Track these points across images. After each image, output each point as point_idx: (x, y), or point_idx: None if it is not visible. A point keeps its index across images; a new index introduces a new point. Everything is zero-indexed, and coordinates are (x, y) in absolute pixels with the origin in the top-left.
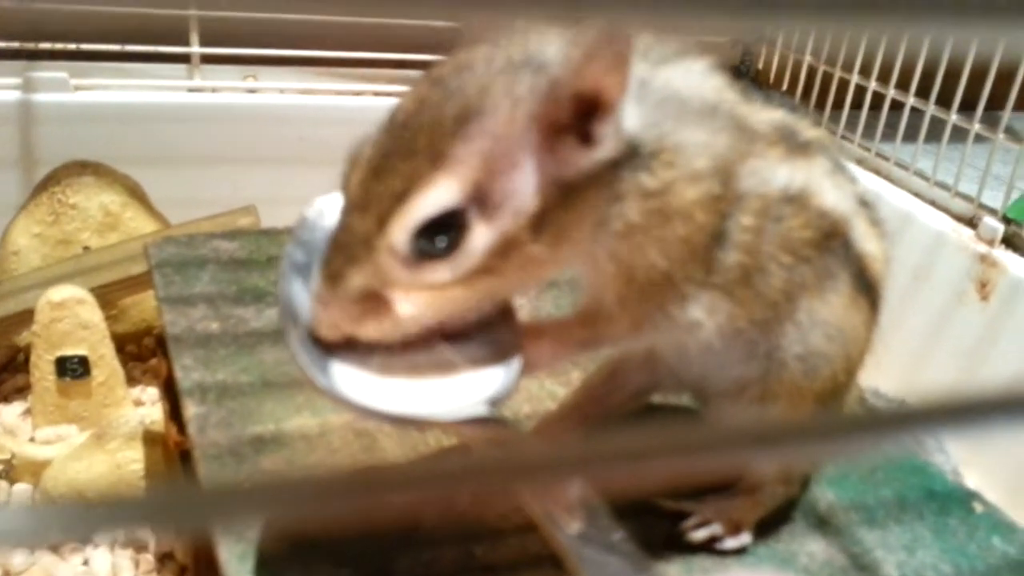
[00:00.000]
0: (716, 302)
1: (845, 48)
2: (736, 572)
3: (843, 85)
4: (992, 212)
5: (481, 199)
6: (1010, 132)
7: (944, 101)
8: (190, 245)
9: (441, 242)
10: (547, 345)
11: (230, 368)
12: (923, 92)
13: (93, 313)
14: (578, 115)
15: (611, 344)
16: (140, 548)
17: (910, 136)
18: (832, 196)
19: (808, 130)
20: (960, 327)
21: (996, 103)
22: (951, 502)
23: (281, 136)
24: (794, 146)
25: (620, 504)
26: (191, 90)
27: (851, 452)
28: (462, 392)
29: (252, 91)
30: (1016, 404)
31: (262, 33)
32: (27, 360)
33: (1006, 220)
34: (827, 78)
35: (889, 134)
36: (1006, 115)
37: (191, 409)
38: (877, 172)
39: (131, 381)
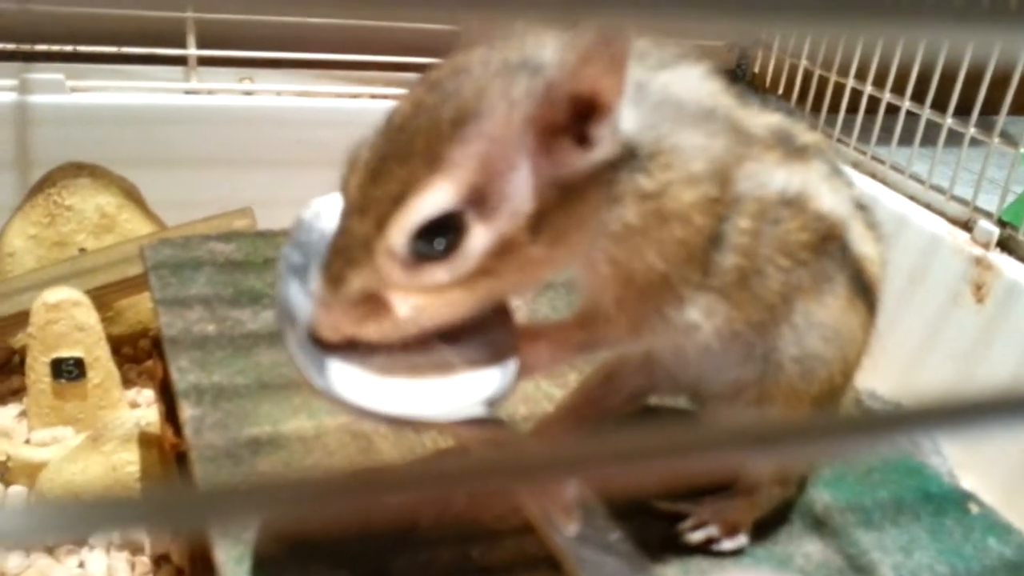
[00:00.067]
0: (713, 304)
1: (841, 52)
2: (733, 573)
3: (839, 89)
4: (987, 215)
5: (479, 201)
6: (1005, 136)
7: (940, 105)
8: (186, 247)
9: (439, 244)
10: (545, 348)
11: (226, 370)
12: (919, 96)
13: (89, 315)
14: (575, 117)
15: (609, 347)
16: (136, 550)
17: (906, 140)
18: (829, 199)
19: (805, 134)
20: (956, 330)
21: (991, 107)
22: (947, 503)
23: (277, 138)
24: (791, 150)
25: (617, 506)
26: (188, 92)
27: (847, 453)
28: (459, 393)
29: (249, 93)
30: (1012, 406)
31: (259, 35)
32: (23, 362)
33: (1001, 223)
34: (823, 82)
35: (885, 138)
36: (1001, 119)
37: (187, 411)
38: (873, 175)
39: (127, 383)
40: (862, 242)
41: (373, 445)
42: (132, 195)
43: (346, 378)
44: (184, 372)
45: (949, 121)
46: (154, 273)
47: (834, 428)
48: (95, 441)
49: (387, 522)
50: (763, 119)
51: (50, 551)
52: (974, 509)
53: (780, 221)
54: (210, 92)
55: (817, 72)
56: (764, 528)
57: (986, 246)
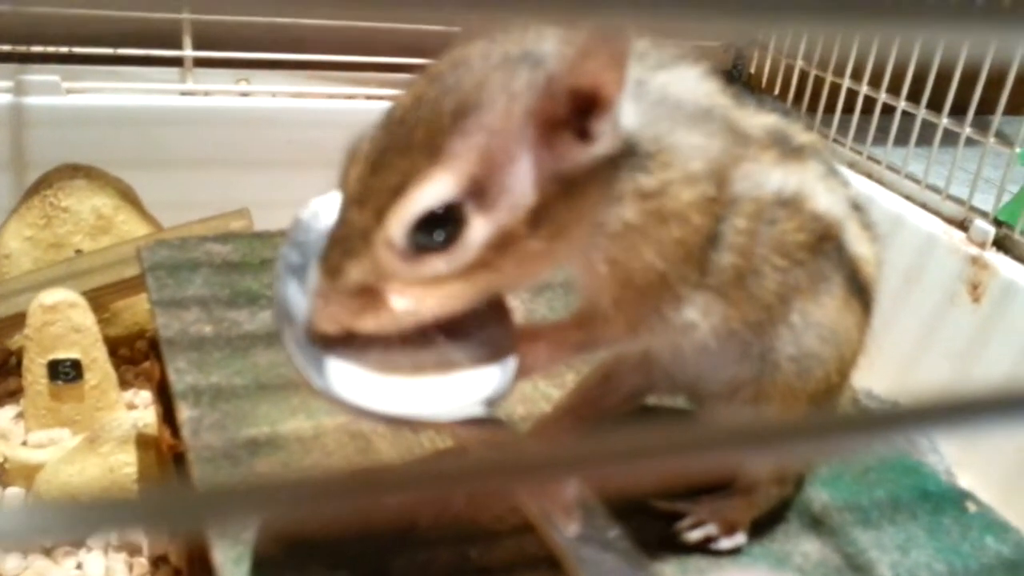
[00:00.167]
0: (711, 304)
1: (836, 52)
2: (731, 572)
3: (835, 89)
4: (983, 215)
5: (478, 193)
6: (1000, 136)
7: (935, 105)
8: (183, 248)
9: (439, 236)
10: (543, 348)
11: (224, 371)
12: (914, 96)
13: (85, 316)
14: (575, 111)
15: (607, 346)
16: (134, 551)
17: (901, 140)
18: (825, 200)
19: (801, 134)
20: (952, 329)
21: (987, 107)
22: (945, 502)
23: (273, 139)
24: (787, 150)
25: (616, 505)
26: (183, 93)
27: (845, 452)
28: (458, 393)
29: (244, 94)
30: (1009, 404)
31: (255, 37)
32: (19, 364)
33: (997, 223)
34: (819, 82)
35: (880, 138)
36: (996, 119)
37: (185, 412)
38: (869, 175)
39: (124, 384)
40: (858, 242)
41: (371, 445)
42: (128, 196)
43: (345, 378)
44: (181, 373)
45: (945, 121)
46: (151, 274)
47: (831, 427)
48: (92, 443)
49: (386, 522)
50: (759, 119)
51: (48, 552)
52: (971, 507)
53: (776, 221)
54: (206, 93)
55: (813, 72)
56: (762, 527)
57: (982, 245)
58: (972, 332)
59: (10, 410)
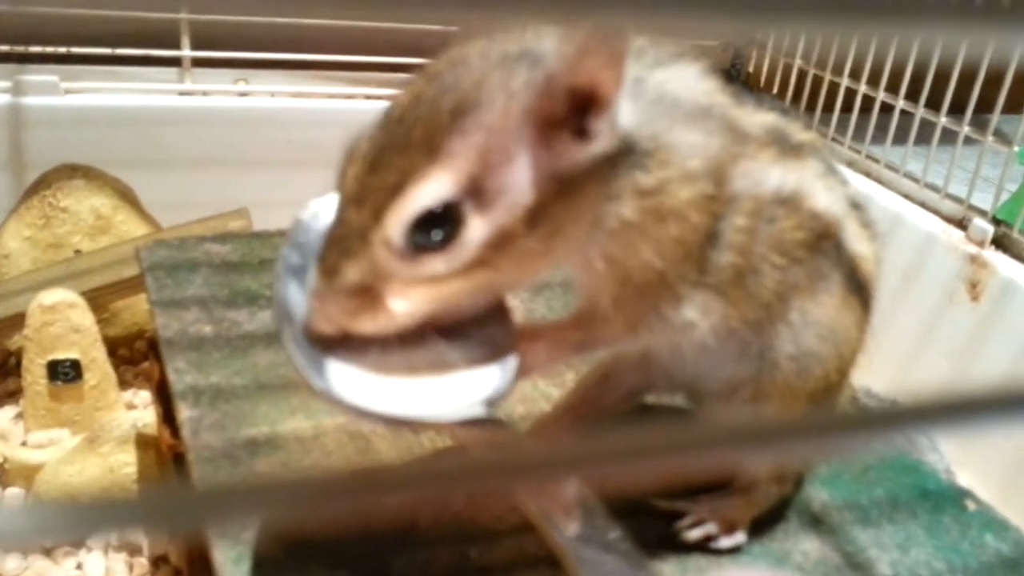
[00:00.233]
0: (710, 302)
1: (835, 51)
2: (731, 571)
3: (833, 88)
4: (982, 213)
5: (477, 192)
6: (999, 134)
7: (934, 104)
8: (182, 248)
9: (437, 235)
10: (543, 348)
11: (223, 371)
12: (913, 95)
13: (84, 317)
14: (573, 110)
15: (607, 346)
16: (134, 552)
17: (900, 139)
18: (824, 198)
19: (799, 133)
20: (951, 327)
21: (985, 106)
22: (944, 500)
23: (272, 139)
24: (786, 148)
25: (615, 504)
26: (182, 93)
27: (844, 451)
28: (458, 393)
29: (243, 94)
30: (1008, 402)
31: (253, 37)
32: (19, 364)
33: (996, 221)
34: (817, 81)
35: (879, 137)
36: (995, 117)
37: (184, 412)
38: (867, 174)
39: (123, 384)
40: (857, 240)
41: (371, 445)
42: (127, 197)
43: (344, 378)
44: (181, 373)
45: (943, 120)
46: (150, 274)
47: (830, 426)
48: (92, 443)
49: (386, 522)
50: (758, 118)
51: (48, 553)
52: (971, 506)
53: (775, 219)
54: (204, 93)
55: (811, 71)
56: (761, 526)
57: (981, 244)
58: (971, 330)
59: (10, 410)
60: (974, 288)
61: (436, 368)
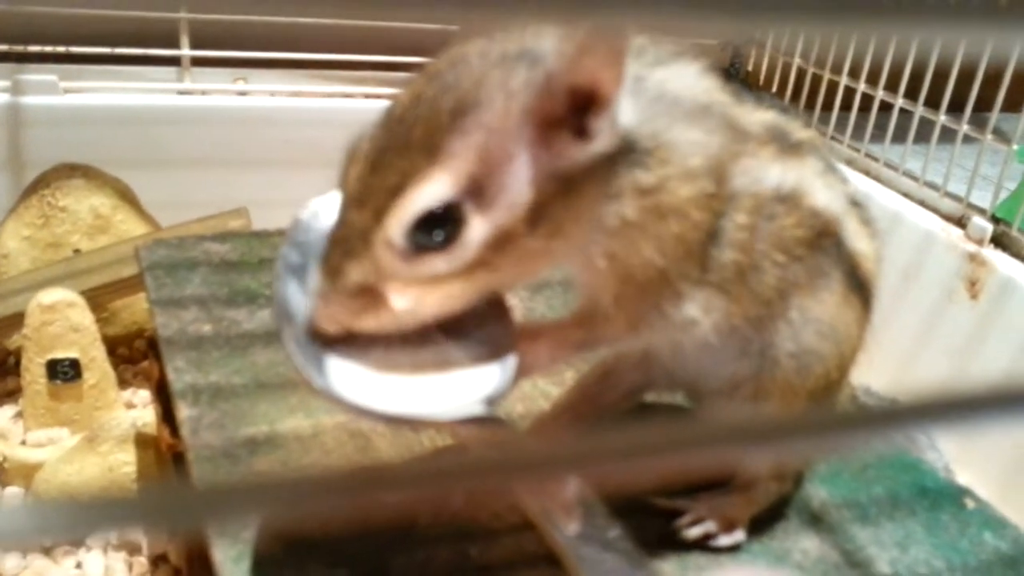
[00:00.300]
0: (712, 300)
1: (834, 50)
2: (730, 569)
3: (832, 87)
4: (981, 212)
5: (477, 192)
6: (998, 133)
7: (933, 102)
8: (181, 247)
9: (438, 235)
10: (544, 347)
11: (223, 370)
12: (912, 93)
13: (84, 316)
14: (573, 109)
15: (608, 344)
16: (134, 551)
17: (899, 137)
18: (824, 196)
19: (799, 131)
20: (950, 326)
21: (984, 104)
22: (943, 499)
23: (271, 138)
24: (786, 146)
25: (615, 503)
26: (181, 93)
27: (844, 449)
28: (458, 391)
29: (242, 93)
30: (1007, 400)
31: (252, 36)
32: (18, 363)
33: (995, 220)
34: (816, 80)
35: (878, 135)
36: (994, 116)
37: (184, 411)
38: (867, 172)
39: (122, 384)
40: (857, 238)
41: (371, 443)
42: (126, 196)
43: (345, 377)
44: (180, 372)
45: (942, 118)
46: (149, 274)
47: (830, 424)
48: (91, 442)
49: (385, 521)
50: (758, 116)
51: (47, 552)
52: (970, 504)
53: (775, 217)
54: (204, 92)
55: (810, 70)
56: (761, 524)
57: (980, 242)
58: (970, 329)
59: (9, 410)
60: (973, 286)
61: (436, 367)
